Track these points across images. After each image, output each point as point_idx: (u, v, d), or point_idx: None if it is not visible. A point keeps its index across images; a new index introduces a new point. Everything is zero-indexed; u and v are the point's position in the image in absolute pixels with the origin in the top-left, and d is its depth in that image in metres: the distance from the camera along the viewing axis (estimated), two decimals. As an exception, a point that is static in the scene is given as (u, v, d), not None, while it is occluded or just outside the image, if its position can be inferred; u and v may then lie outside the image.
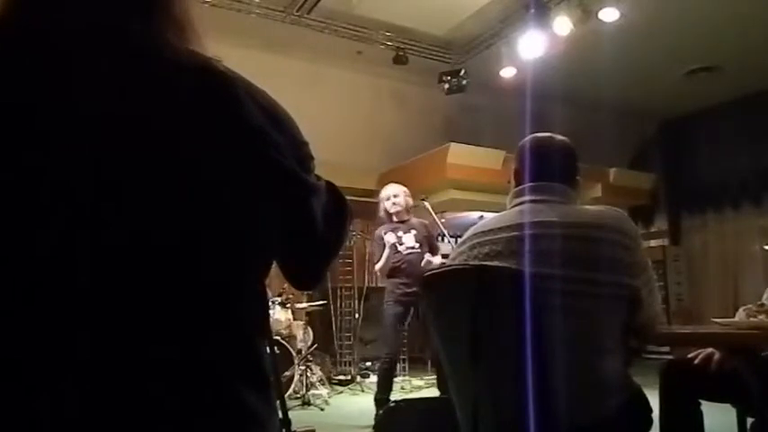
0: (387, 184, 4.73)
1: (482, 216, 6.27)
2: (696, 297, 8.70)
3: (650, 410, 1.64)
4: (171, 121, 0.67)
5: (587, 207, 1.72)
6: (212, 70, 0.72)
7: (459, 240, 1.84)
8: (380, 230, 4.42)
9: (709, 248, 8.98)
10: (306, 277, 0.87)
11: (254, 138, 0.72)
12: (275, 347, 4.91)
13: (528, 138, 1.80)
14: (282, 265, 0.81)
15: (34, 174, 0.63)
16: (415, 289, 4.08)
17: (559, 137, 1.81)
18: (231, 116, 0.71)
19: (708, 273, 8.79)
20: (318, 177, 0.81)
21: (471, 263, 1.66)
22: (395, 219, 4.44)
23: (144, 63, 0.69)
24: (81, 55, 0.67)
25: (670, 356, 2.58)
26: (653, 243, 9.21)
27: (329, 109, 6.99)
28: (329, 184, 0.83)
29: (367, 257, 7.28)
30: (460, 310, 1.61)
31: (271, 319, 5.06)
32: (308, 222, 0.78)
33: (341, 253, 7.66)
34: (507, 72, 6.54)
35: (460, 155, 7.03)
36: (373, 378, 6.39)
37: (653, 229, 9.61)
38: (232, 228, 0.70)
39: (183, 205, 0.67)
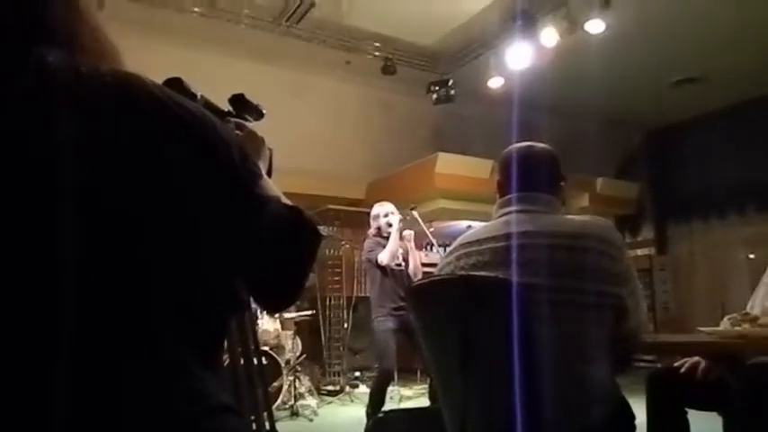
0: (375, 194, 4.73)
1: (470, 225, 6.29)
2: (683, 306, 8.76)
3: (634, 417, 1.65)
4: (103, 136, 0.69)
5: (572, 217, 1.73)
6: (132, 81, 0.74)
7: (447, 251, 1.85)
8: (376, 252, 4.37)
9: (695, 257, 9.05)
10: (270, 299, 0.87)
11: (188, 132, 0.74)
12: (263, 358, 4.88)
13: (510, 148, 1.81)
14: (249, 287, 0.82)
15: None
16: (403, 304, 4.10)
17: (541, 145, 1.81)
18: (157, 118, 0.73)
19: (694, 282, 8.86)
20: (284, 200, 0.82)
21: (458, 273, 1.67)
22: (384, 235, 4.44)
23: (64, 87, 0.70)
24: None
25: (657, 365, 2.59)
26: (639, 252, 9.28)
27: (317, 118, 7.00)
28: (293, 207, 0.82)
29: (356, 267, 7.27)
30: (448, 320, 1.61)
31: (259, 330, 5.03)
32: (251, 222, 0.78)
33: (329, 263, 7.63)
34: (495, 82, 6.59)
35: (449, 164, 7.06)
36: (362, 389, 6.37)
37: (639, 239, 9.68)
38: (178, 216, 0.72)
39: (129, 227, 0.69)
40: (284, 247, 0.80)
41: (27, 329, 0.63)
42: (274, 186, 0.83)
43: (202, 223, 0.73)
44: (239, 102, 1.05)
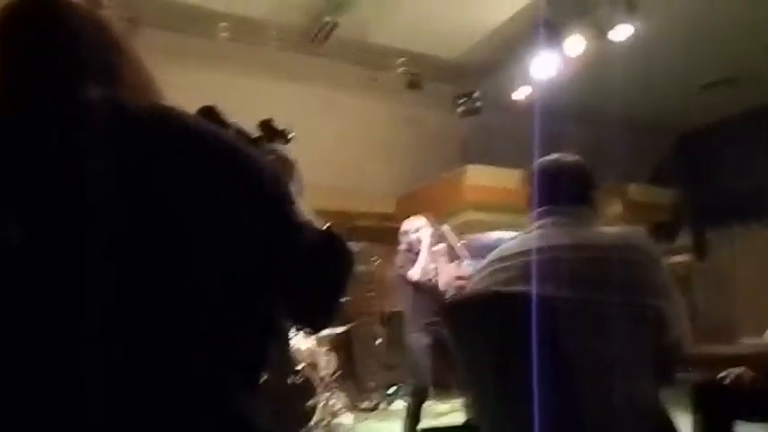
0: (405, 208, 4.74)
1: (501, 238, 6.23)
2: (724, 314, 8.50)
3: None
4: (137, 165, 0.72)
5: (602, 229, 1.70)
6: (167, 114, 0.79)
7: (480, 266, 1.84)
8: (407, 267, 4.38)
9: (736, 263, 8.80)
10: (309, 321, 0.91)
11: (221, 161, 0.77)
12: (297, 375, 4.89)
13: (537, 162, 1.80)
14: (287, 310, 0.83)
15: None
16: (436, 319, 4.07)
17: (569, 156, 1.79)
18: (190, 149, 0.76)
19: (736, 288, 8.60)
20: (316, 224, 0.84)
21: (492, 288, 1.66)
22: (414, 250, 4.43)
23: (102, 119, 0.74)
24: (55, 119, 0.74)
25: (692, 375, 2.51)
26: (677, 259, 9.05)
27: (345, 135, 7.05)
28: (324, 231, 0.84)
29: (388, 282, 7.27)
30: (481, 336, 1.60)
31: (292, 348, 5.04)
32: (289, 242, 0.80)
33: (361, 279, 7.64)
34: (521, 92, 6.56)
35: (478, 176, 7.04)
36: (398, 404, 6.33)
37: (676, 245, 9.46)
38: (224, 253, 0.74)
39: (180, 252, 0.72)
40: (320, 270, 0.82)
41: (40, 337, 0.67)
42: (305, 210, 0.84)
43: (229, 247, 0.75)
44: (268, 127, 1.06)
